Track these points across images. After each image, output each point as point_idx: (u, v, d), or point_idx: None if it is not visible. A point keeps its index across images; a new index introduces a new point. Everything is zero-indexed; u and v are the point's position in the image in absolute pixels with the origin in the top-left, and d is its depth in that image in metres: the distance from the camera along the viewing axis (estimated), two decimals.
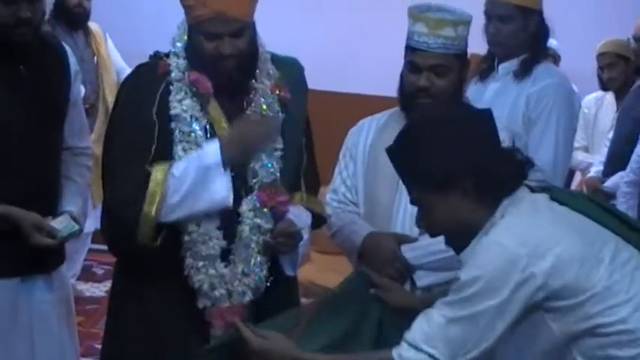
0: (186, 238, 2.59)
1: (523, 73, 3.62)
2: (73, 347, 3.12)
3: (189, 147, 2.58)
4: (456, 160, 2.17)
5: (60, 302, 3.04)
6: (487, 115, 2.28)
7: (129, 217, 2.55)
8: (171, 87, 2.62)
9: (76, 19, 5.33)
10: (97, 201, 4.55)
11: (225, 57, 2.56)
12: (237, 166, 2.60)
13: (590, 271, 2.11)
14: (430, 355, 2.12)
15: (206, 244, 2.58)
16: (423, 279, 2.80)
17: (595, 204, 2.33)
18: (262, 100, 2.66)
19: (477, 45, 3.57)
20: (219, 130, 2.62)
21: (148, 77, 2.66)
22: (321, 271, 5.18)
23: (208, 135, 2.61)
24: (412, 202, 2.30)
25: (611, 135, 5.07)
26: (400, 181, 2.80)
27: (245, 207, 2.61)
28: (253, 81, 2.66)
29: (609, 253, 2.16)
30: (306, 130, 2.81)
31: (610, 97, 5.49)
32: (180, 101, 2.61)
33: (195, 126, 2.60)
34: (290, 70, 2.77)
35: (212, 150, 2.55)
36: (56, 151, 3.00)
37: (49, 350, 3.00)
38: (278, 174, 2.65)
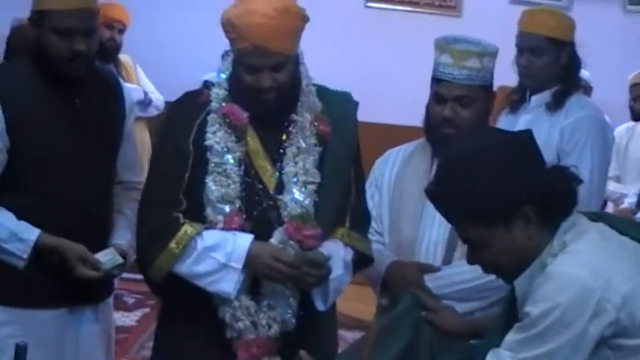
0: None
1: (556, 105, 3.61)
2: None
3: (220, 179, 2.58)
4: (512, 188, 2.04)
5: (104, 333, 3.07)
6: (528, 135, 2.15)
7: (146, 259, 2.59)
8: (208, 117, 2.64)
9: (107, 52, 5.47)
10: None
11: (264, 90, 2.57)
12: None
13: None
14: None
15: None
16: None
17: None
18: (300, 133, 2.65)
19: (507, 77, 3.58)
20: (256, 162, 2.63)
21: (190, 105, 2.68)
22: (346, 301, 5.16)
23: (243, 167, 2.61)
24: (463, 241, 2.17)
25: None
26: (424, 211, 2.81)
27: (274, 239, 2.59)
28: (294, 114, 2.66)
29: None
30: (355, 166, 2.76)
31: None
32: (214, 133, 2.61)
33: (229, 158, 2.61)
34: (339, 104, 2.76)
35: (239, 254, 2.54)
36: (108, 184, 3.02)
37: None
38: (312, 208, 2.63)
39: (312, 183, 2.64)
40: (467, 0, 7.10)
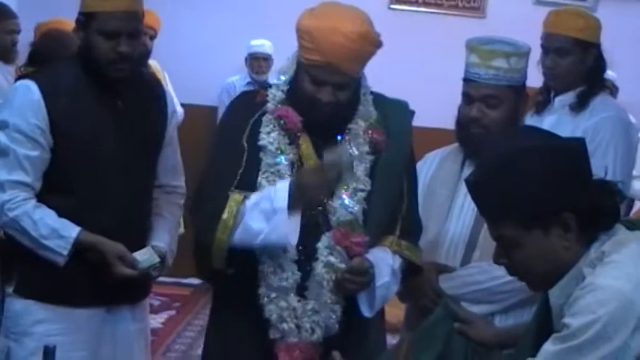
0: (260, 267, 2.61)
1: (580, 106, 3.59)
2: None
3: (273, 178, 2.61)
4: (557, 193, 1.98)
5: (141, 333, 3.11)
6: (581, 143, 2.08)
7: (206, 241, 2.60)
8: (263, 118, 2.66)
9: (140, 58, 5.47)
10: None
11: (323, 103, 2.59)
12: (308, 210, 2.60)
13: None
14: None
15: (279, 275, 2.59)
16: None
17: None
18: (353, 140, 2.67)
19: (531, 77, 3.57)
20: (308, 165, 2.65)
21: (246, 104, 2.73)
22: None
23: (295, 168, 2.63)
24: (495, 239, 2.09)
25: None
26: (451, 211, 2.81)
27: (322, 244, 2.61)
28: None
29: None
30: (409, 176, 2.77)
31: None
32: (268, 133, 2.65)
33: (282, 159, 2.63)
34: (395, 113, 2.77)
35: (281, 195, 2.55)
36: (149, 186, 3.06)
37: None
38: (360, 215, 2.64)
39: (362, 190, 2.66)
40: (491, 1, 7.11)
